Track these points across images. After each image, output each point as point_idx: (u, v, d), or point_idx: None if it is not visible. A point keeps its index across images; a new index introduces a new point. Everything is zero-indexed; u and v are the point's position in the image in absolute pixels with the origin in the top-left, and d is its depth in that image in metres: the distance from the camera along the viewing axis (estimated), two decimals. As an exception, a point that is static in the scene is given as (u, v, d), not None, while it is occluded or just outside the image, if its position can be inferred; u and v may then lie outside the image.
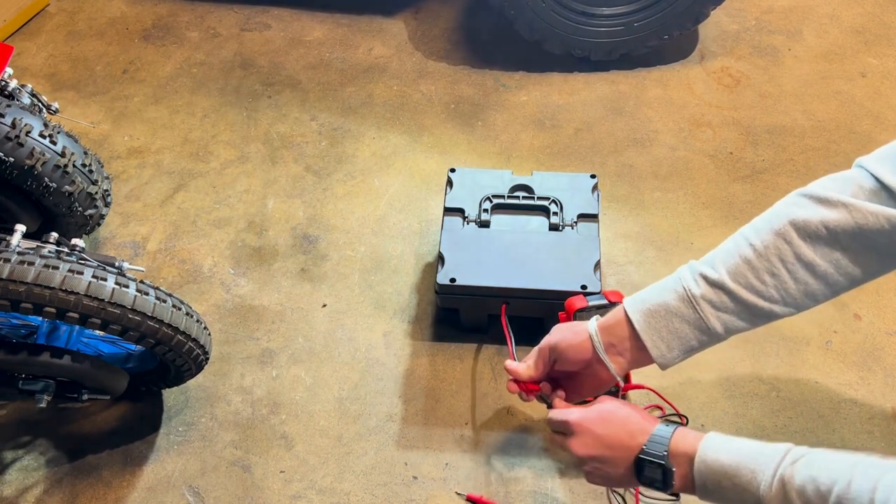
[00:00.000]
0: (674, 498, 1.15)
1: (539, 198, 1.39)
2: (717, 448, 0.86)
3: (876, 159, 0.90)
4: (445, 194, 1.42)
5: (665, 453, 0.89)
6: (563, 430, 0.98)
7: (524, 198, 1.39)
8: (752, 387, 1.31)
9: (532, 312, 1.32)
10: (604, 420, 0.95)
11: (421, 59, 1.93)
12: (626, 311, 0.96)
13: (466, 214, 1.38)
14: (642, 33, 1.81)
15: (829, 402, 1.29)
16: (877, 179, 0.88)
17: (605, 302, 1.19)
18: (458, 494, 1.21)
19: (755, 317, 0.93)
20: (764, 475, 0.81)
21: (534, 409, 1.30)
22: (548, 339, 1.02)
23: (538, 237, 1.35)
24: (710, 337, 0.95)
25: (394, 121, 1.79)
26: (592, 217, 1.37)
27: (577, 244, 1.33)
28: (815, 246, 0.90)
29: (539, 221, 1.37)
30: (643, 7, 1.78)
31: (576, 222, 1.36)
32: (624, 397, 1.29)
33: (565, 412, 0.98)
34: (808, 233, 0.89)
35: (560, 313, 1.22)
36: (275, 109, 1.82)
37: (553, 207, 1.37)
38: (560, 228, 1.35)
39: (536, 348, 1.04)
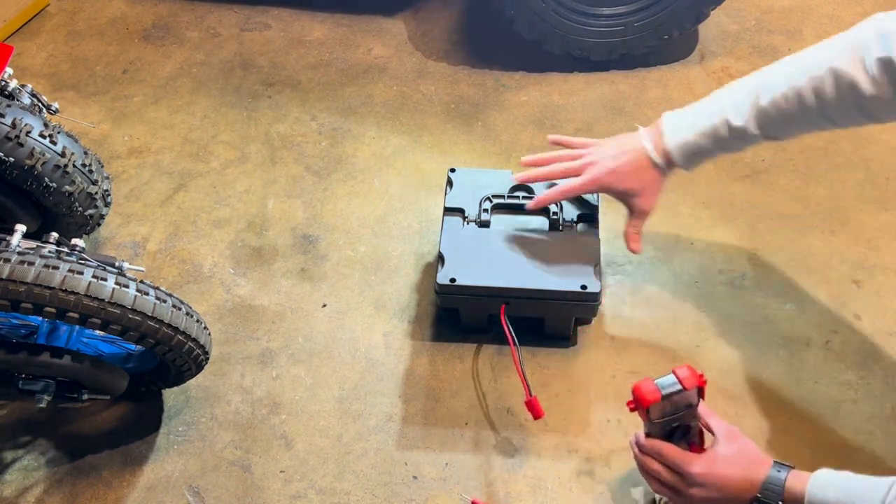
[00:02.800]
0: None
1: None
2: (825, 486, 0.94)
3: None
4: (445, 194, 1.42)
5: (780, 500, 0.97)
6: (679, 473, 1.04)
7: (524, 198, 1.39)
8: (752, 387, 1.31)
9: (532, 312, 1.32)
10: (725, 470, 1.02)
11: (421, 59, 1.93)
12: (670, 152, 1.19)
13: (466, 214, 1.38)
14: (642, 33, 1.81)
15: (829, 402, 1.29)
16: None
17: (678, 388, 1.03)
18: (463, 497, 1.21)
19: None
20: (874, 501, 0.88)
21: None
22: (648, 206, 1.25)
23: (538, 237, 1.35)
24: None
25: (394, 121, 1.79)
26: (592, 217, 1.37)
27: (577, 244, 1.33)
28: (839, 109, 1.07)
29: (539, 221, 1.37)
30: (643, 7, 1.78)
31: (576, 222, 1.36)
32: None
33: (686, 462, 1.03)
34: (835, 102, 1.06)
35: (628, 402, 1.07)
36: (275, 109, 1.82)
37: (553, 207, 1.37)
38: (560, 228, 1.35)
39: (643, 215, 1.26)
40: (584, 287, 1.27)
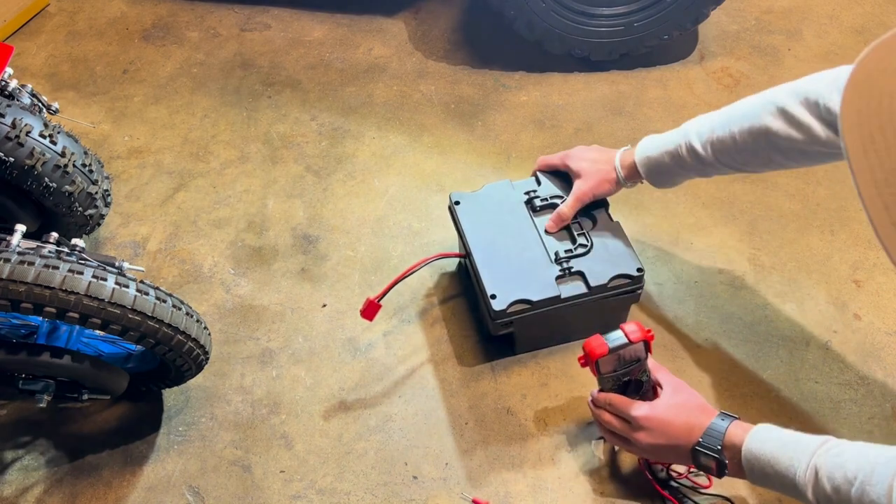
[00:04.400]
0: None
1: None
2: (763, 439, 0.99)
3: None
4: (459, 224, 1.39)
5: (719, 447, 1.02)
6: (625, 419, 1.11)
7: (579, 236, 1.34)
8: (752, 387, 1.31)
9: (472, 282, 1.35)
10: (669, 417, 1.08)
11: (421, 59, 1.93)
12: (636, 164, 1.26)
13: (537, 194, 1.37)
14: (642, 33, 1.81)
15: (829, 402, 1.29)
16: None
17: (625, 342, 1.12)
18: (463, 497, 1.21)
19: (720, 172, 1.22)
20: (801, 463, 0.93)
21: (533, 409, 1.30)
22: (584, 189, 1.31)
23: (546, 253, 1.31)
24: (688, 178, 1.27)
25: (394, 121, 1.79)
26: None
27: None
28: (785, 154, 1.11)
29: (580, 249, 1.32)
30: (643, 7, 1.78)
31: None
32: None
33: (631, 407, 1.10)
34: (778, 146, 1.10)
35: (579, 357, 1.15)
36: (275, 109, 1.82)
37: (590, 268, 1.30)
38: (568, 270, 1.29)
39: (575, 196, 1.31)
40: (493, 296, 1.24)
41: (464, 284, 1.47)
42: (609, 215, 1.35)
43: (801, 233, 1.53)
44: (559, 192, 1.38)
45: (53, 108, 1.36)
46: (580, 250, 1.30)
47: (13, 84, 1.31)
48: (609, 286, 1.26)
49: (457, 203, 1.38)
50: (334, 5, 2.07)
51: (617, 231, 1.33)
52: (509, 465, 1.24)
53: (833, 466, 0.90)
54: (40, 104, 1.35)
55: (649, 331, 1.13)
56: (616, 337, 1.11)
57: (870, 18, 2.00)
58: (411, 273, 1.32)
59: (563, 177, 1.39)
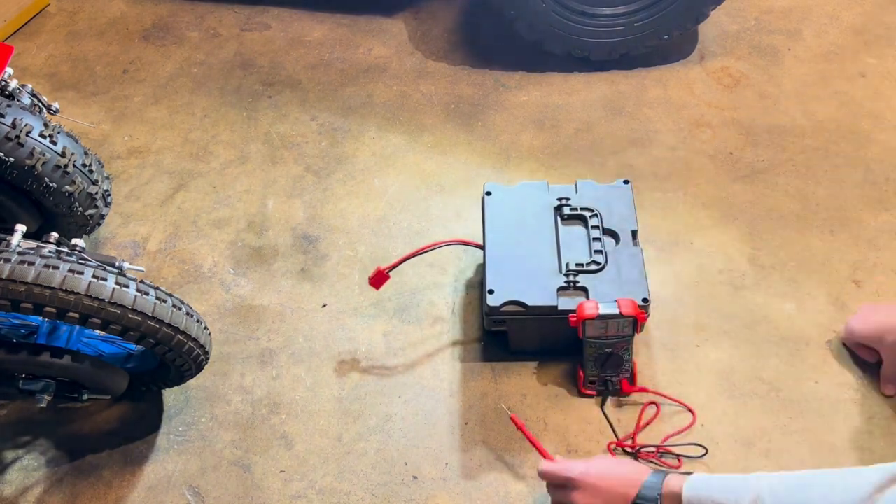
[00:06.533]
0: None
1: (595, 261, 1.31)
2: (701, 482, 0.98)
3: None
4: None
5: (657, 496, 1.01)
6: (564, 484, 1.08)
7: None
8: (752, 387, 1.31)
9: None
10: (603, 474, 1.06)
11: (421, 59, 1.93)
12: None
13: (568, 202, 1.37)
14: (642, 33, 1.81)
15: (829, 402, 1.29)
16: None
17: (615, 313, 1.18)
18: (502, 408, 1.25)
19: None
20: (745, 495, 0.92)
21: (534, 409, 1.30)
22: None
23: (552, 248, 1.32)
24: None
25: (394, 121, 1.79)
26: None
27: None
28: None
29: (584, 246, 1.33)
30: (643, 7, 1.78)
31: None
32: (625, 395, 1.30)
33: (567, 467, 1.09)
34: None
35: (571, 316, 1.21)
36: (275, 109, 1.82)
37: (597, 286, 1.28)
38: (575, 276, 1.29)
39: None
40: (491, 291, 1.26)
41: (471, 282, 1.47)
42: (635, 239, 1.33)
43: (801, 233, 1.53)
44: (592, 205, 1.36)
45: (53, 108, 1.36)
46: (592, 267, 1.29)
47: (13, 84, 1.31)
48: None
49: (488, 193, 1.40)
50: (334, 5, 2.07)
51: (636, 257, 1.30)
52: (509, 464, 1.24)
53: (776, 493, 0.90)
54: (40, 104, 1.35)
55: (643, 311, 1.19)
56: (609, 306, 1.19)
57: (870, 18, 2.00)
58: (426, 251, 1.35)
59: (605, 192, 1.39)
